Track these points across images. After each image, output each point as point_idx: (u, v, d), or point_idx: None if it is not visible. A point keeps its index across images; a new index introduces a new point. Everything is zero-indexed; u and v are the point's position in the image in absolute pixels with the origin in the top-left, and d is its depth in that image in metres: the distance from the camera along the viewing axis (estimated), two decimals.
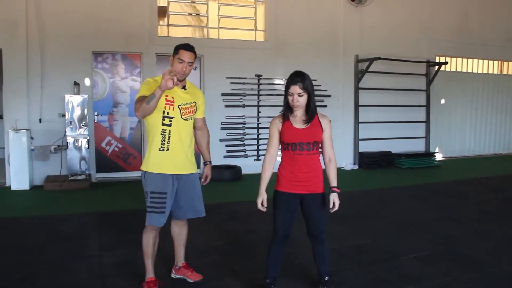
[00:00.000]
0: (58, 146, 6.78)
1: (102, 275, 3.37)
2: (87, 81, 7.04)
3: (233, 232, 4.49)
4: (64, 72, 6.86)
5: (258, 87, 8.03)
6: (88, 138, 6.77)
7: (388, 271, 3.47)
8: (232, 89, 7.85)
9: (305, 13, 8.32)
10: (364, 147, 8.89)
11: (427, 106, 9.57)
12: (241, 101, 7.91)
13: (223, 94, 7.80)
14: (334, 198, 2.79)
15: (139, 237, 3.07)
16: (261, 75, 8.01)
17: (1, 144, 7.36)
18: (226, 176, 7.21)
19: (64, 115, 6.69)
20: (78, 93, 6.81)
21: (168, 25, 7.69)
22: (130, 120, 7.44)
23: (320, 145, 2.89)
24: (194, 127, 3.21)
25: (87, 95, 6.82)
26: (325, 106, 8.34)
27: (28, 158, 6.50)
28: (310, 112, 2.81)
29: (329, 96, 8.49)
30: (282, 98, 2.94)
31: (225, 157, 7.81)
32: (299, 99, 2.75)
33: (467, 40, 9.88)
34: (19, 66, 6.61)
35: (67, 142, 6.67)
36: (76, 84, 6.84)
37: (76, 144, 6.71)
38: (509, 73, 11.01)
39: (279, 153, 2.92)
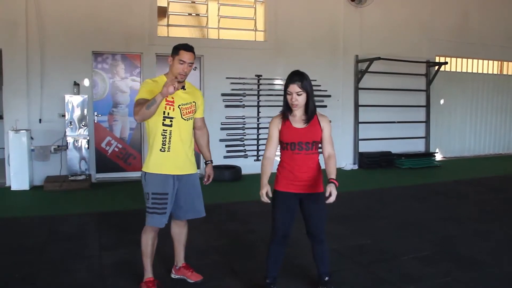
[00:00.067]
0: (58, 146, 6.78)
1: (102, 275, 3.37)
2: (87, 81, 7.05)
3: (233, 232, 4.49)
4: (64, 72, 6.87)
5: (258, 87, 8.03)
6: (88, 138, 6.77)
7: (388, 271, 3.47)
8: (232, 89, 7.85)
9: (305, 13, 8.32)
10: (364, 147, 8.89)
11: (427, 106, 9.57)
12: (241, 101, 7.91)
13: (223, 94, 7.80)
14: (331, 188, 2.67)
15: (139, 237, 3.07)
16: (261, 75, 8.01)
17: (1, 144, 7.36)
18: (226, 176, 7.21)
19: (64, 115, 6.69)
20: (78, 93, 6.81)
21: (168, 25, 7.69)
22: (130, 120, 7.44)
23: (319, 145, 2.89)
24: (194, 127, 3.21)
25: (87, 95, 6.82)
26: (325, 106, 8.34)
27: (28, 158, 6.50)
28: (310, 112, 2.81)
29: (329, 96, 8.49)
30: (282, 98, 2.94)
31: (225, 157, 7.81)
32: (298, 98, 2.75)
33: (467, 40, 9.88)
34: (19, 66, 6.61)
35: (67, 142, 6.67)
36: (76, 84, 6.84)
37: (76, 144, 6.71)
38: (509, 73, 11.01)
39: (278, 153, 2.92)
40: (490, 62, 10.66)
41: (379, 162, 8.79)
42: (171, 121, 2.93)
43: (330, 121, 2.95)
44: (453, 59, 10.05)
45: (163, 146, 2.93)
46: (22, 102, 6.68)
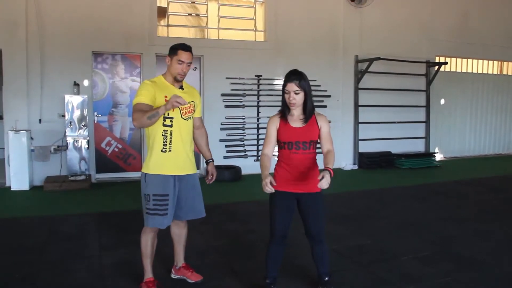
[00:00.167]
0: (58, 146, 6.78)
1: (102, 275, 3.37)
2: (86, 82, 7.05)
3: (233, 232, 4.49)
4: (64, 73, 6.87)
5: (258, 87, 8.04)
6: (88, 138, 6.77)
7: (388, 271, 3.47)
8: (232, 90, 7.86)
9: (305, 13, 8.32)
10: (364, 147, 8.89)
11: (427, 106, 9.57)
12: (241, 102, 7.92)
13: (223, 95, 7.80)
14: (324, 174, 2.55)
15: (139, 237, 3.06)
16: (261, 76, 8.01)
17: (1, 145, 7.37)
18: (226, 177, 7.21)
19: (64, 116, 6.69)
20: (78, 93, 6.81)
21: (168, 25, 7.69)
22: (130, 120, 7.44)
23: (316, 145, 2.89)
24: (193, 127, 3.21)
25: (87, 96, 6.82)
26: (325, 106, 8.34)
27: (28, 159, 6.49)
28: (308, 111, 2.81)
29: (329, 96, 8.50)
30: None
31: (225, 157, 7.81)
32: (296, 97, 2.76)
33: (467, 40, 9.88)
34: (19, 67, 6.61)
35: (67, 143, 6.68)
36: (76, 84, 6.84)
37: (76, 145, 6.71)
38: (509, 73, 11.02)
39: (276, 152, 2.92)
40: (490, 62, 10.66)
41: (379, 162, 8.79)
42: (171, 121, 2.93)
43: (330, 121, 2.94)
44: (453, 59, 10.06)
45: (164, 147, 2.92)
46: (22, 102, 6.68)
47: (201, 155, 3.36)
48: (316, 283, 3.06)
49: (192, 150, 3.10)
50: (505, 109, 10.86)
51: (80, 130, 6.70)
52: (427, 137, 9.64)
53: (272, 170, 2.87)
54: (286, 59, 8.03)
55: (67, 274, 3.35)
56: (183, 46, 2.95)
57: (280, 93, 2.87)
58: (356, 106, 8.82)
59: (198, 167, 3.31)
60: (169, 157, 2.94)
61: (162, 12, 7.64)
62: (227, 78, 7.81)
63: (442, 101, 9.98)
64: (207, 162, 3.32)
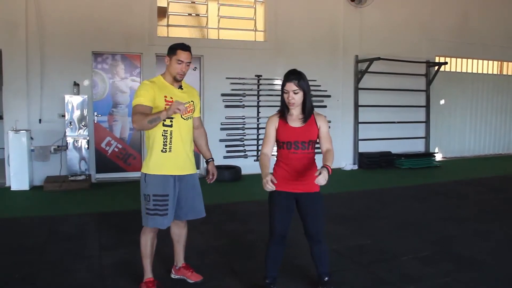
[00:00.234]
0: (58, 146, 6.78)
1: (102, 275, 3.37)
2: (86, 82, 7.04)
3: (233, 232, 4.49)
4: (64, 73, 6.87)
5: (258, 87, 8.04)
6: (88, 138, 6.77)
7: (388, 271, 3.46)
8: (232, 90, 7.86)
9: (305, 13, 8.32)
10: (364, 147, 8.89)
11: (427, 106, 9.57)
12: (241, 102, 7.92)
13: (223, 95, 7.80)
14: (322, 170, 2.58)
15: (139, 237, 3.06)
16: (261, 76, 8.01)
17: (1, 145, 7.37)
18: (226, 177, 7.21)
19: (64, 116, 6.70)
20: (78, 93, 6.81)
21: (168, 25, 7.69)
22: (130, 120, 7.42)
23: (315, 145, 2.89)
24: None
25: (86, 96, 6.83)
26: (325, 106, 8.35)
27: (28, 159, 6.49)
28: (307, 110, 2.81)
29: (329, 96, 8.50)
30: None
31: (225, 157, 7.80)
32: (294, 97, 2.76)
33: (467, 40, 9.88)
34: (19, 67, 6.61)
35: (67, 143, 6.68)
36: (76, 84, 6.84)
37: (76, 145, 6.71)
38: (508, 74, 11.02)
39: (274, 152, 2.92)
40: (490, 62, 10.67)
41: (379, 162, 8.79)
42: (171, 121, 2.92)
43: (330, 121, 2.95)
44: (453, 59, 10.06)
45: (164, 147, 2.91)
46: (22, 103, 6.68)
47: (201, 155, 3.36)
48: (316, 283, 3.06)
49: (192, 150, 3.10)
50: (505, 109, 10.86)
51: (80, 130, 6.70)
52: (427, 137, 9.64)
53: (271, 170, 2.87)
54: (286, 59, 8.02)
55: (67, 274, 3.35)
56: (182, 45, 2.94)
57: (280, 93, 2.88)
58: (356, 106, 8.82)
59: (198, 167, 3.31)
60: (169, 157, 2.93)
61: (162, 12, 7.64)
62: (227, 78, 7.81)
63: (442, 101, 9.98)
64: (207, 162, 3.31)
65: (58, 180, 6.56)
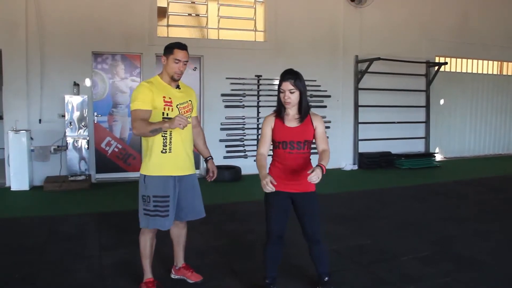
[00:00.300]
0: (58, 146, 6.78)
1: (102, 275, 3.37)
2: (87, 82, 7.04)
3: (233, 233, 4.49)
4: (64, 73, 6.87)
5: (258, 87, 8.04)
6: (87, 138, 6.77)
7: (388, 271, 3.46)
8: (232, 90, 7.86)
9: (305, 13, 8.32)
10: (364, 147, 8.89)
11: (427, 106, 9.57)
12: (241, 102, 7.91)
13: (222, 95, 7.80)
14: (316, 169, 2.58)
15: (138, 238, 3.06)
16: (261, 76, 8.01)
17: (1, 145, 7.37)
18: (226, 177, 7.21)
19: (63, 116, 6.70)
20: (77, 93, 6.81)
21: (168, 25, 7.69)
22: (130, 120, 7.42)
23: (311, 145, 2.89)
24: None
25: (86, 96, 6.82)
26: (325, 106, 8.35)
27: (28, 159, 6.49)
28: (303, 110, 2.81)
29: (329, 96, 8.49)
30: None
31: (225, 157, 7.80)
32: (291, 96, 2.76)
33: (466, 40, 9.88)
34: (19, 67, 6.61)
35: (67, 143, 6.68)
36: (75, 84, 6.84)
37: (76, 145, 6.71)
38: (508, 74, 11.02)
39: (270, 152, 2.92)
40: (490, 62, 10.67)
41: (379, 163, 8.79)
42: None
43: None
44: (453, 60, 10.06)
45: (164, 148, 2.90)
46: (22, 103, 6.68)
47: (200, 154, 3.35)
48: (316, 283, 3.06)
49: (192, 150, 3.10)
50: (505, 109, 10.86)
51: (80, 130, 6.70)
52: (427, 137, 9.64)
53: (267, 170, 2.87)
54: (286, 59, 8.01)
55: (67, 274, 3.35)
56: (178, 44, 2.93)
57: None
58: (356, 106, 8.82)
59: (197, 167, 3.30)
60: (169, 158, 2.92)
61: (162, 12, 7.64)
62: (227, 78, 7.81)
63: (442, 101, 9.98)
64: (206, 160, 3.30)
65: (58, 180, 6.56)
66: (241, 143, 7.98)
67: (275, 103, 2.90)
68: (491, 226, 4.72)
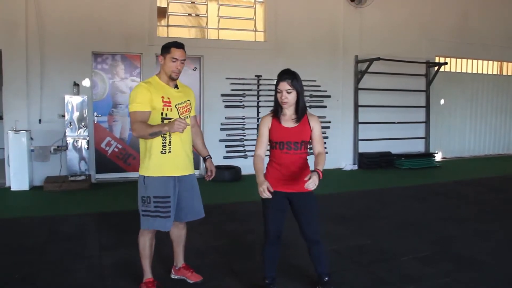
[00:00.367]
0: (58, 146, 6.78)
1: (102, 275, 3.37)
2: (86, 82, 7.04)
3: (233, 233, 4.49)
4: (63, 73, 6.86)
5: (258, 87, 8.04)
6: (87, 138, 6.77)
7: (388, 271, 3.46)
8: (232, 90, 7.86)
9: (305, 14, 8.32)
10: (364, 147, 8.89)
11: (427, 106, 9.57)
12: (241, 102, 7.92)
13: (222, 95, 7.80)
14: (313, 175, 2.59)
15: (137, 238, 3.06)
16: (261, 76, 8.01)
17: (1, 145, 7.37)
18: (226, 177, 7.22)
19: (63, 116, 6.70)
20: (77, 93, 6.81)
21: (168, 25, 7.69)
22: (130, 121, 7.42)
23: (308, 145, 2.89)
24: None
25: (86, 96, 6.83)
26: (325, 106, 8.35)
27: (27, 159, 6.49)
28: (300, 110, 2.81)
29: (329, 96, 8.49)
30: None
31: (225, 157, 7.80)
32: (288, 96, 2.76)
33: (466, 40, 9.88)
34: (18, 67, 6.61)
35: (67, 143, 6.68)
36: (75, 84, 6.84)
37: (76, 145, 6.71)
38: (508, 74, 11.02)
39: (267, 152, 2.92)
40: (490, 62, 10.67)
41: (379, 163, 8.79)
42: (169, 122, 2.91)
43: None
44: (453, 60, 10.06)
45: (164, 148, 2.89)
46: (22, 103, 6.68)
47: (198, 154, 3.34)
48: (316, 283, 3.06)
49: (191, 150, 3.10)
50: (505, 109, 10.86)
51: (80, 130, 6.70)
52: (427, 137, 9.64)
53: (264, 170, 2.87)
54: (286, 59, 8.00)
55: (67, 274, 3.35)
56: (175, 43, 2.94)
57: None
58: (356, 106, 8.82)
59: (197, 167, 3.30)
60: (169, 158, 2.91)
61: (162, 13, 7.64)
62: (227, 78, 7.81)
63: (442, 101, 9.98)
64: (204, 159, 3.29)
65: (58, 180, 6.56)
66: (241, 143, 7.98)
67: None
68: (491, 226, 4.72)
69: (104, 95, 7.37)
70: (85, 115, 6.72)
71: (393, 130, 9.16)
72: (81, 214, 5.13)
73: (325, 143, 8.25)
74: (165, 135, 2.88)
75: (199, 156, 3.34)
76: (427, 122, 9.61)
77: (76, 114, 6.68)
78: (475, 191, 6.71)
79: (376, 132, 8.99)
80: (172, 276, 3.30)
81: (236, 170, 7.44)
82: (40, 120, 6.79)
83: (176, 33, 7.72)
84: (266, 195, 2.62)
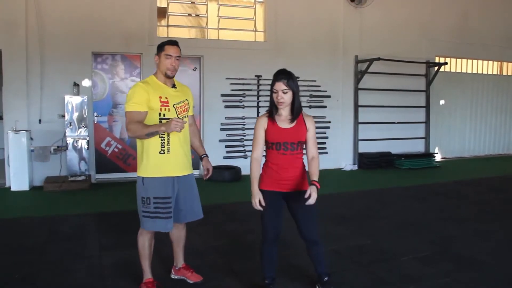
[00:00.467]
0: (58, 147, 6.78)
1: (102, 275, 3.36)
2: (86, 82, 7.04)
3: (233, 233, 4.49)
4: (63, 73, 6.86)
5: (258, 87, 8.04)
6: (87, 139, 6.77)
7: (388, 271, 3.46)
8: (232, 90, 7.86)
9: (305, 14, 8.32)
10: (364, 147, 8.89)
11: (427, 106, 9.57)
12: (241, 102, 7.91)
13: (222, 95, 7.80)
14: (312, 190, 2.66)
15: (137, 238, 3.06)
16: (261, 76, 8.01)
17: (1, 145, 7.36)
18: (226, 177, 7.21)
19: (63, 116, 6.70)
20: (77, 93, 6.81)
21: (168, 26, 7.69)
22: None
23: (303, 145, 2.89)
24: None
25: (86, 96, 6.82)
26: (325, 106, 8.35)
27: (27, 159, 6.49)
28: (295, 111, 2.81)
29: (329, 96, 8.49)
30: None
31: (225, 157, 7.80)
32: (284, 96, 2.76)
33: (466, 40, 9.88)
34: (19, 67, 6.61)
35: (67, 143, 6.68)
36: (75, 84, 6.84)
37: (76, 145, 6.71)
38: (508, 74, 11.02)
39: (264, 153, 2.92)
40: (490, 62, 10.67)
41: (379, 163, 8.79)
42: (166, 121, 2.90)
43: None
44: (453, 60, 10.06)
45: (162, 148, 2.88)
46: (22, 103, 6.67)
47: (195, 152, 3.32)
48: (315, 283, 3.06)
49: (189, 149, 3.09)
50: (505, 109, 10.86)
51: (80, 131, 6.70)
52: (427, 138, 9.64)
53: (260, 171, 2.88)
54: (286, 59, 8.00)
55: (67, 274, 3.35)
56: (169, 41, 2.95)
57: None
58: (356, 106, 8.82)
59: (197, 168, 3.30)
60: (168, 158, 2.90)
61: (162, 13, 7.64)
62: (227, 78, 7.81)
63: (442, 102, 9.98)
64: (201, 158, 3.27)
65: (58, 180, 6.56)
66: (241, 143, 7.98)
67: None
68: (491, 226, 4.72)
69: (104, 95, 7.37)
70: (85, 115, 6.72)
71: (393, 130, 9.16)
72: (81, 214, 5.13)
73: (324, 143, 8.39)
74: (163, 135, 2.86)
75: (197, 156, 3.33)
76: (427, 122, 9.61)
77: (76, 114, 6.68)
78: (475, 191, 6.71)
79: (376, 132, 8.99)
80: (172, 276, 3.30)
81: (236, 170, 7.44)
82: (40, 120, 6.79)
83: (176, 33, 7.72)
84: (258, 208, 2.69)
